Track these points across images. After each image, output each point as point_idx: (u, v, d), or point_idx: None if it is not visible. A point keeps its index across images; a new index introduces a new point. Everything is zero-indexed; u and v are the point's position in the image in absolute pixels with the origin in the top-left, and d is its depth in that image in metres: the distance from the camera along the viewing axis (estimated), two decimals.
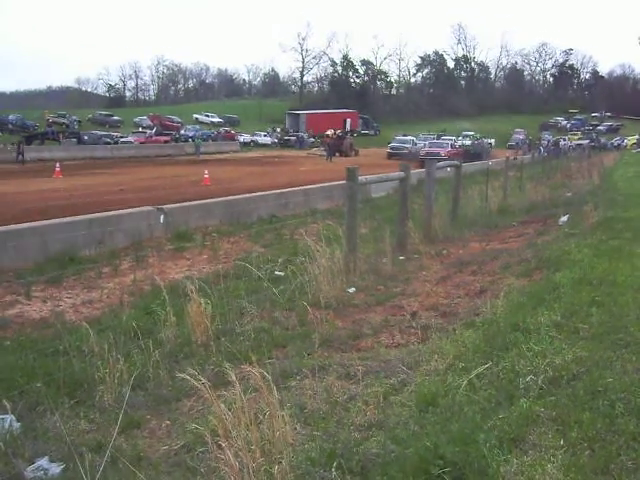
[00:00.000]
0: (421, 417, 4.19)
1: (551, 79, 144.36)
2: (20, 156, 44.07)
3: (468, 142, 70.84)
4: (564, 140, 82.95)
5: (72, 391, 5.13)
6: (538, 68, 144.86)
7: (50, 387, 5.08)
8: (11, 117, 75.89)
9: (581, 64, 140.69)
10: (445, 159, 32.12)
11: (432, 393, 4.44)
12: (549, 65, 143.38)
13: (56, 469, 3.93)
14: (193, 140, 65.19)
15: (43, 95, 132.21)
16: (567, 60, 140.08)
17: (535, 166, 34.30)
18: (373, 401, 4.55)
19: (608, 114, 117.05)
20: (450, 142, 58.94)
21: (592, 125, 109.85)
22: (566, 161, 44.55)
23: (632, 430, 3.71)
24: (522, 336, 5.50)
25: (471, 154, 48.91)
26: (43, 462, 3.99)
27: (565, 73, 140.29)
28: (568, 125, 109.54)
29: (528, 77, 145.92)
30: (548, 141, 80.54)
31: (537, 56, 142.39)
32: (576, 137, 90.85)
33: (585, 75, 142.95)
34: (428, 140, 64.19)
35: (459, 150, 52.83)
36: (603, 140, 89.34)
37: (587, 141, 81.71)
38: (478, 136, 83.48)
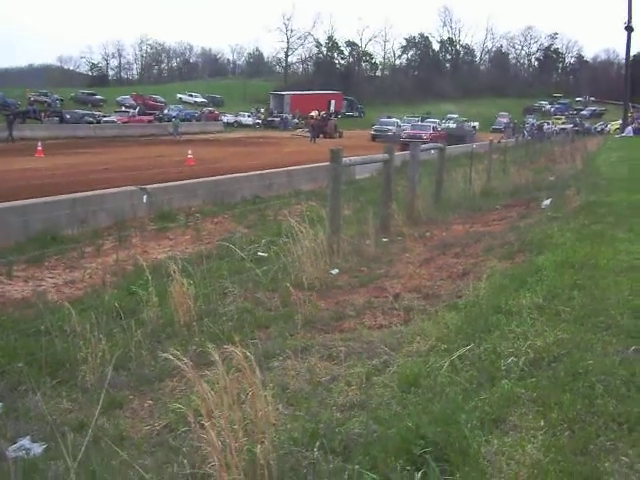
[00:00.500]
0: (403, 398, 4.21)
1: (536, 63, 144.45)
2: (9, 134, 44.31)
3: (452, 125, 70.86)
4: (548, 124, 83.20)
5: (54, 371, 5.11)
6: (523, 52, 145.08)
7: (32, 367, 5.06)
8: None
9: (566, 48, 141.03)
10: (427, 142, 31.96)
11: (414, 374, 4.46)
12: (534, 49, 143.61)
13: (38, 449, 3.92)
14: (172, 120, 64.83)
15: (24, 73, 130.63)
16: (552, 44, 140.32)
17: (519, 149, 34.33)
18: (355, 382, 4.57)
19: (592, 99, 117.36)
20: (433, 125, 58.49)
21: (576, 109, 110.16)
22: (550, 145, 44.66)
23: (611, 411, 3.75)
24: (504, 318, 5.53)
25: (454, 137, 47.76)
26: (25, 442, 3.98)
27: (550, 57, 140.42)
28: (552, 109, 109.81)
29: (513, 60, 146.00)
30: (532, 125, 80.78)
31: (522, 40, 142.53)
32: (560, 121, 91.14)
33: (570, 59, 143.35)
34: (411, 123, 63.89)
35: (442, 133, 52.27)
36: (587, 125, 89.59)
37: (571, 125, 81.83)
38: (462, 119, 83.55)
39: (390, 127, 60.39)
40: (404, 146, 33.62)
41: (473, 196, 16.61)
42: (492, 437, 3.54)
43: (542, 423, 3.67)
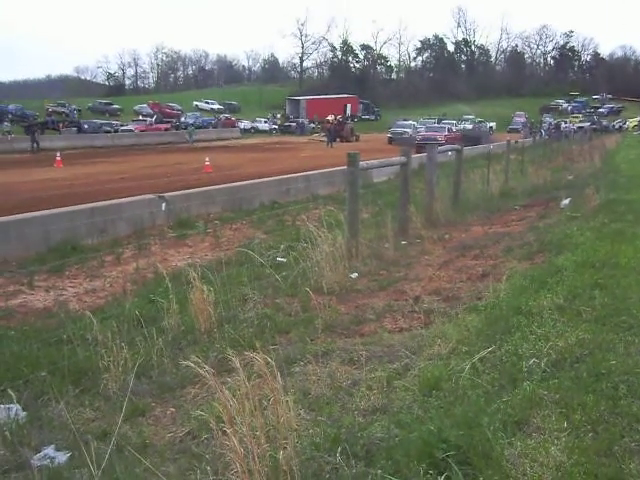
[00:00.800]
0: (425, 401, 4.20)
1: (552, 62, 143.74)
2: (35, 144, 45.03)
3: (468, 126, 70.61)
4: (565, 123, 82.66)
5: (77, 380, 5.14)
6: (539, 51, 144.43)
7: (55, 376, 5.09)
8: (11, 107, 75.69)
9: (582, 46, 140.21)
10: (443, 144, 31.86)
11: (435, 377, 4.45)
12: (550, 48, 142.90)
13: (62, 457, 3.94)
14: (186, 128, 65.12)
15: (42, 84, 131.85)
16: (568, 42, 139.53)
17: (536, 149, 34.22)
18: (377, 386, 4.56)
19: (609, 96, 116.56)
20: (448, 126, 57.70)
21: (593, 107, 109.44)
22: (567, 144, 44.44)
23: (635, 412, 3.72)
24: (525, 319, 5.51)
25: (470, 138, 46.60)
26: (49, 451, 4.01)
27: (566, 55, 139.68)
28: (569, 108, 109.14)
29: (529, 60, 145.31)
30: (549, 124, 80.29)
31: (538, 39, 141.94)
32: (577, 120, 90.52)
33: (586, 57, 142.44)
34: (427, 124, 63.63)
35: (457, 134, 51.37)
36: (604, 122, 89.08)
37: (588, 124, 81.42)
38: (478, 120, 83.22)
39: (406, 129, 60.25)
40: (419, 148, 33.47)
41: (491, 197, 16.54)
42: (515, 440, 3.52)
43: (565, 425, 3.65)
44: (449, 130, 53.48)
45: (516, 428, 3.68)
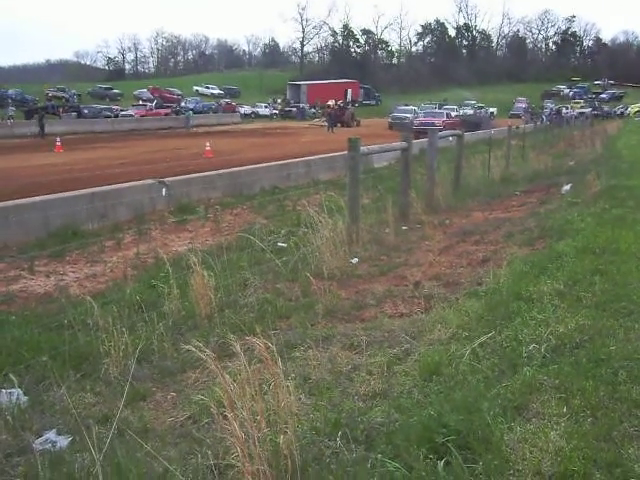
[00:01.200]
0: (425, 386, 4.21)
1: (553, 47, 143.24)
2: (41, 130, 45.32)
3: (469, 111, 70.26)
4: (567, 108, 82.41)
5: (78, 364, 5.15)
6: (540, 36, 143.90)
7: (56, 361, 5.10)
8: (10, 92, 75.43)
9: (584, 31, 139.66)
10: (441, 129, 31.39)
11: (435, 362, 4.46)
12: (551, 33, 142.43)
13: (64, 441, 3.96)
14: (184, 113, 64.90)
15: (42, 69, 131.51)
16: (569, 27, 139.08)
17: (538, 135, 34.15)
18: (377, 371, 4.58)
19: (611, 82, 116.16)
20: (446, 112, 56.00)
21: (595, 93, 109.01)
22: (569, 129, 44.35)
23: (635, 397, 3.74)
24: (525, 305, 5.52)
25: (469, 124, 44.45)
26: (51, 435, 4.03)
27: (567, 41, 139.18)
28: (571, 93, 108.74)
29: (530, 45, 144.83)
30: (550, 109, 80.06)
31: (539, 24, 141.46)
32: (579, 105, 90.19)
33: (588, 42, 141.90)
34: (425, 110, 62.92)
35: (456, 120, 49.95)
36: (606, 108, 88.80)
37: (590, 109, 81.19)
38: (478, 105, 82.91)
39: (407, 115, 59.90)
40: (417, 134, 33.35)
41: (492, 183, 16.52)
42: (515, 424, 3.54)
43: (565, 410, 3.66)
44: (447, 115, 52.08)
45: (516, 413, 3.69)
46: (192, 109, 71.93)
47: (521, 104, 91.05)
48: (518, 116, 75.28)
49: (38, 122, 46.37)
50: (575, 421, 3.54)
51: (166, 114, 68.11)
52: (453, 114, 57.16)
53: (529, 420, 3.62)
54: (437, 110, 58.03)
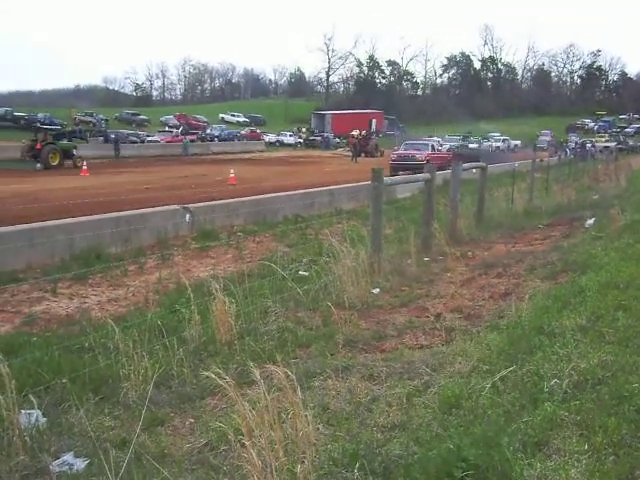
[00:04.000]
0: (444, 419, 4.18)
1: (578, 80, 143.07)
2: (117, 152, 48.96)
3: (473, 145, 68.91)
4: (591, 142, 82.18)
5: (97, 387, 5.17)
6: (565, 69, 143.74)
7: (75, 383, 5.12)
8: (40, 115, 76.49)
9: (609, 65, 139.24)
10: (422, 165, 23.62)
11: (455, 395, 4.43)
12: (576, 66, 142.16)
13: (81, 464, 3.97)
14: (183, 142, 63.56)
15: (71, 94, 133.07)
16: (595, 61, 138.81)
17: (562, 168, 34.01)
18: (396, 402, 4.55)
19: (636, 116, 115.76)
20: (432, 144, 43.16)
21: (620, 127, 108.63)
22: (593, 163, 44.18)
23: None
24: (547, 339, 5.47)
25: (465, 158, 30.04)
26: (68, 457, 4.03)
27: (593, 74, 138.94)
28: (595, 127, 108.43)
29: (555, 79, 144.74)
30: (575, 143, 79.89)
31: (564, 57, 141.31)
32: (603, 139, 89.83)
33: (613, 76, 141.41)
34: (406, 142, 46.04)
35: (446, 154, 42.19)
36: (631, 142, 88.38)
37: (614, 143, 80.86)
38: (473, 137, 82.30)
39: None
40: (395, 171, 30.81)
41: (515, 215, 16.46)
42: (535, 461, 3.49)
43: (586, 447, 3.61)
44: (434, 148, 40.81)
45: (536, 449, 3.65)
46: (217, 136, 72.48)
47: (545, 137, 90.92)
48: (543, 149, 75.03)
49: (114, 145, 49.88)
50: (597, 459, 3.49)
51: (192, 141, 68.70)
52: (449, 145, 49.72)
53: (549, 456, 3.58)
54: (422, 141, 45.74)
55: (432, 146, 40.62)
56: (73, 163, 38.80)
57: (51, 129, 42.90)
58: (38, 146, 37.28)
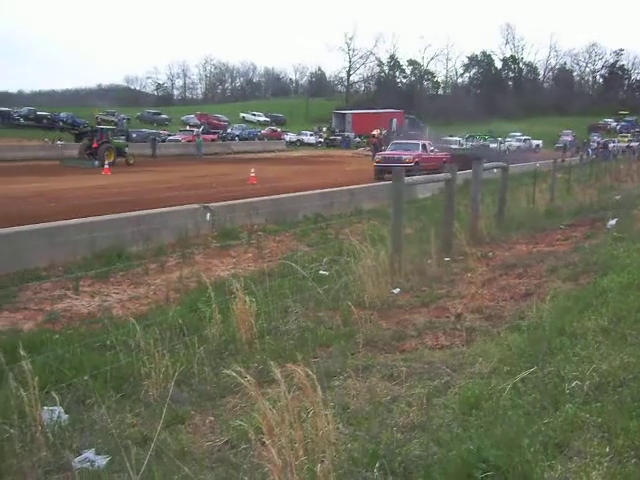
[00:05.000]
0: (464, 420, 4.17)
1: (601, 80, 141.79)
2: (153, 150, 51.50)
3: (478, 143, 68.21)
4: (613, 142, 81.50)
5: (118, 385, 5.21)
6: (587, 69, 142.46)
7: (97, 381, 5.17)
8: (62, 115, 77.02)
9: (632, 64, 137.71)
10: (411, 168, 23.86)
11: (476, 396, 4.42)
12: (599, 66, 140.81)
13: (102, 461, 4.00)
14: (195, 140, 63.39)
15: (93, 93, 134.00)
16: (617, 61, 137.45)
17: (583, 168, 33.78)
18: (416, 402, 4.55)
19: None
20: (423, 143, 36.75)
21: None
22: (615, 163, 43.81)
23: None
24: (568, 341, 5.44)
25: (464, 158, 27.70)
26: (90, 454, 4.07)
27: (615, 74, 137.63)
28: (618, 127, 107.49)
29: (577, 78, 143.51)
30: (597, 143, 79.29)
31: (587, 57, 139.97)
32: (626, 139, 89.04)
33: (636, 76, 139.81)
34: (394, 143, 40.15)
35: (441, 155, 36.26)
36: None
37: (637, 143, 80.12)
38: (479, 136, 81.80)
39: (453, 146, 59.46)
40: (380, 174, 28.73)
41: (537, 215, 16.35)
42: (555, 462, 3.48)
43: (607, 449, 3.59)
44: (424, 148, 35.34)
45: (557, 451, 3.63)
46: (238, 135, 72.67)
47: (567, 137, 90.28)
48: (564, 149, 74.54)
49: (151, 145, 52.17)
50: (618, 461, 3.47)
51: (212, 140, 68.85)
52: (433, 148, 37.25)
53: (570, 458, 3.56)
54: (411, 142, 39.26)
55: (423, 146, 35.61)
56: (125, 160, 41.03)
57: (107, 129, 43.90)
58: (95, 145, 39.20)
